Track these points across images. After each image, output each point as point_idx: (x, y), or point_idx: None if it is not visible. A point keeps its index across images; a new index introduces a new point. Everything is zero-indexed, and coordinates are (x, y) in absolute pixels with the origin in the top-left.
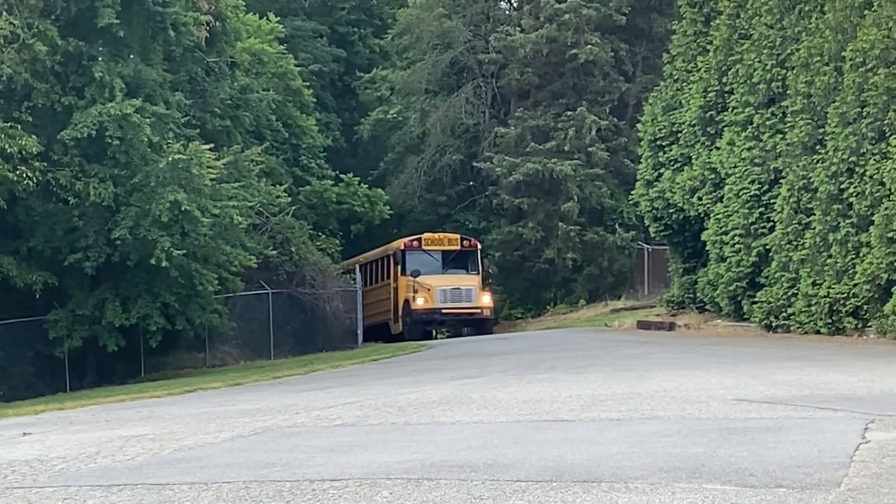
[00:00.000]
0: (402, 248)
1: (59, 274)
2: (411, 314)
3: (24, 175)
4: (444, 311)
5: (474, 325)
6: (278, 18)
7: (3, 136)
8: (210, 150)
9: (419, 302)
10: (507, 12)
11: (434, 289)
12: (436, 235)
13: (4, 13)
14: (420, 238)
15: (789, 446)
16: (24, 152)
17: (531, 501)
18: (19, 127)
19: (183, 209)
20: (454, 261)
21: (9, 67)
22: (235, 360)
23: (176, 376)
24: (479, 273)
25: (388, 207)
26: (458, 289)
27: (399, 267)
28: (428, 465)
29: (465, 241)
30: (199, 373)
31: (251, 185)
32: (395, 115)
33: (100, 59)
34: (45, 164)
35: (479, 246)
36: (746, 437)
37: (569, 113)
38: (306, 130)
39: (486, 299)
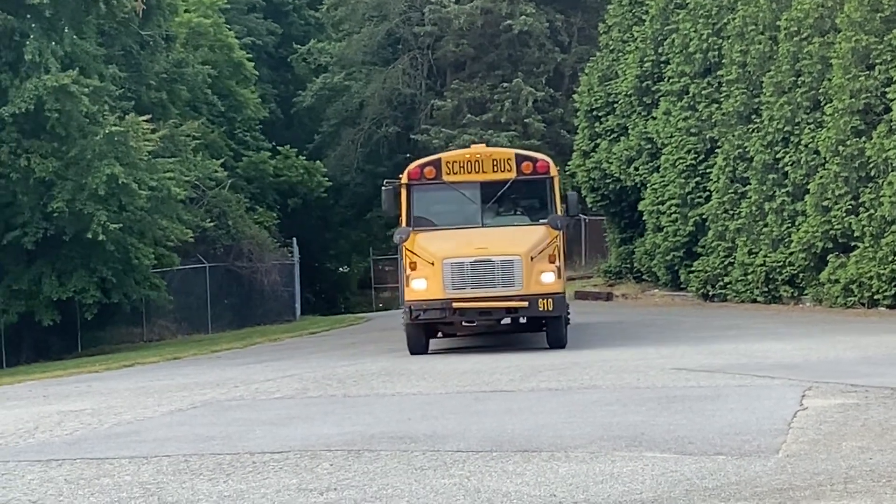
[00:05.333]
0: (408, 180)
1: None
2: (407, 308)
3: None
4: (457, 303)
5: (527, 327)
6: None
7: None
8: (146, 122)
9: (416, 286)
10: None
11: (440, 262)
12: (466, 153)
13: None
14: (438, 160)
15: (728, 414)
16: None
17: (472, 471)
18: None
19: (120, 182)
20: (506, 200)
21: None
22: (173, 334)
23: (113, 351)
24: (555, 226)
25: (326, 178)
26: (489, 261)
27: (405, 217)
28: (368, 437)
29: (524, 163)
30: (136, 347)
31: (188, 160)
32: (340, 80)
33: (31, 36)
34: None
35: (556, 172)
36: (685, 405)
37: (505, 84)
38: (246, 102)
39: (548, 278)
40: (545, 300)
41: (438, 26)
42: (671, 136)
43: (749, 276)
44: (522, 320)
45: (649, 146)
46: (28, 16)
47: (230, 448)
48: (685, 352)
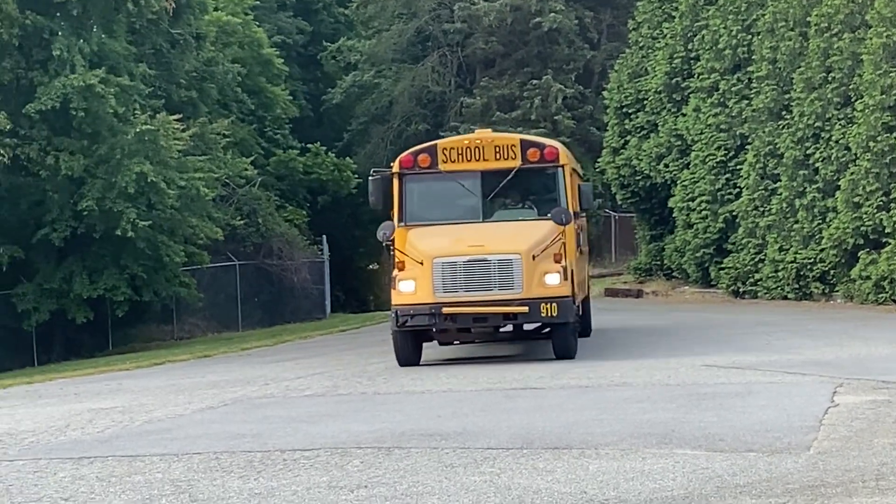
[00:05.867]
0: (400, 169)
1: (25, 248)
2: (393, 313)
3: None
4: (448, 308)
5: (532, 335)
6: None
7: None
8: (177, 121)
9: (403, 289)
10: None
11: (430, 261)
12: (465, 139)
13: None
14: (433, 147)
15: (758, 411)
16: None
17: (502, 469)
18: None
19: (149, 181)
20: (510, 192)
21: None
22: (203, 332)
23: (144, 349)
24: (559, 221)
25: (355, 176)
26: (485, 261)
27: (397, 211)
28: (398, 434)
29: (530, 150)
30: (167, 345)
31: (217, 158)
32: (370, 78)
33: (59, 34)
34: (14, 140)
35: (567, 159)
36: (716, 402)
37: (534, 81)
38: (276, 100)
39: (553, 280)
40: (548, 305)
41: (468, 24)
42: (701, 133)
43: (780, 273)
44: (528, 327)
45: (679, 143)
46: (58, 14)
47: (261, 445)
48: (715, 348)
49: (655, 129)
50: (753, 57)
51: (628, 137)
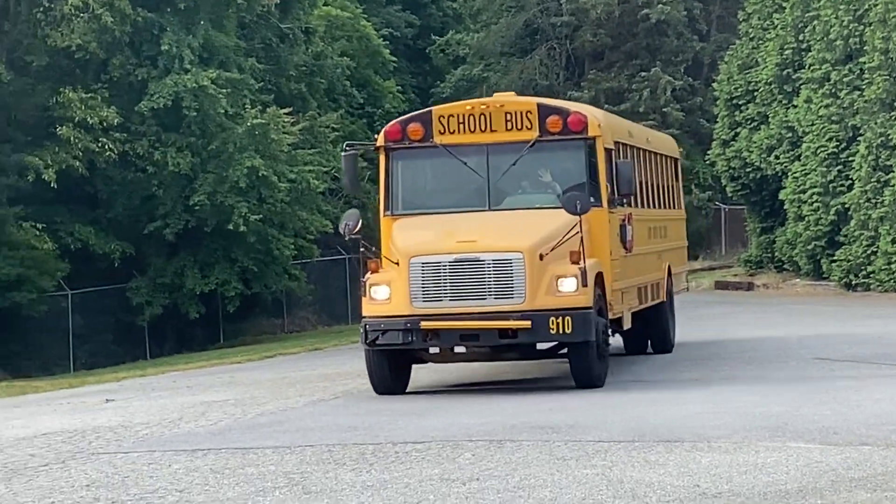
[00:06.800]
0: (385, 142)
1: (137, 242)
2: (362, 327)
3: (106, 147)
4: (427, 322)
5: (543, 356)
6: None
7: (83, 107)
8: (287, 114)
9: (376, 296)
10: None
11: (406, 261)
12: (468, 104)
13: None
14: (427, 114)
15: (872, 404)
16: (104, 123)
17: (614, 461)
18: (99, 99)
19: (260, 174)
20: (525, 171)
21: (78, 38)
22: (314, 325)
23: (255, 342)
24: (573, 209)
25: None
26: (477, 260)
27: (382, 195)
28: (509, 427)
29: (551, 117)
30: (277, 338)
31: (327, 151)
32: (479, 72)
33: (168, 29)
34: (124, 134)
35: (600, 130)
36: (829, 395)
37: (643, 74)
38: (384, 93)
39: (568, 286)
40: (560, 318)
41: (576, 16)
42: (812, 125)
43: (893, 266)
44: (514, 344)
45: (790, 135)
46: (168, 9)
47: (372, 438)
48: (828, 342)
49: (766, 121)
50: (865, 47)
51: (738, 129)
